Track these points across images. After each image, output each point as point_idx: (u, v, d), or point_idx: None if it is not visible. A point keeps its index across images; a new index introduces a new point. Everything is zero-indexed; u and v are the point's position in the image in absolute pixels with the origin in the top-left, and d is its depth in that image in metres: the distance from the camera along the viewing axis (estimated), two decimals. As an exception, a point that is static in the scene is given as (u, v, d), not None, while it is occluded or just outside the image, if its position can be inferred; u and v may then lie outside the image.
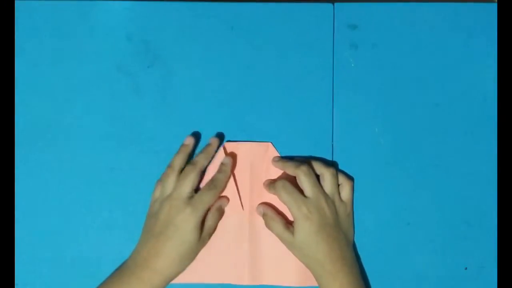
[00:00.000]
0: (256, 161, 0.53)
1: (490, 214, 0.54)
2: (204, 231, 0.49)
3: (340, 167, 0.54)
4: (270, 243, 0.51)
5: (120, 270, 0.49)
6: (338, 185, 0.51)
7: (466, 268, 0.54)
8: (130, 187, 0.53)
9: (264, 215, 0.51)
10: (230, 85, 0.54)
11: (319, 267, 0.48)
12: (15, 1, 0.53)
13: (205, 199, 0.49)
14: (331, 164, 0.53)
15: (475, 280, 0.53)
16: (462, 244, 0.54)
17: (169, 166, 0.51)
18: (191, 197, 0.48)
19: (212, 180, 0.50)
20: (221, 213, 0.52)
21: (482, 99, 0.55)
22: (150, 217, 0.50)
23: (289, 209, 0.48)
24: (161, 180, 0.51)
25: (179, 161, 0.50)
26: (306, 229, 0.47)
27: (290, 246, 0.49)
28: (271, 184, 0.51)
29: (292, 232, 0.48)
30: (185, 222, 0.47)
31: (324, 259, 0.48)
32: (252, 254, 0.52)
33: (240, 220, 0.52)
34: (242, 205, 0.52)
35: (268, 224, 0.50)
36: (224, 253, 0.52)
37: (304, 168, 0.49)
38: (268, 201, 0.52)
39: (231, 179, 0.52)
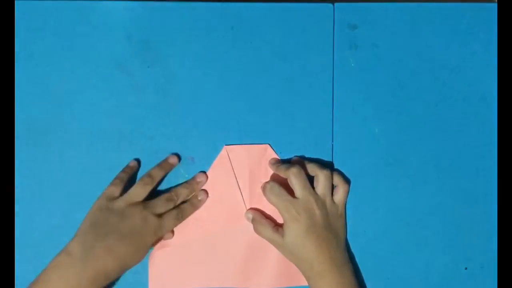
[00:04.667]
0: (255, 164, 0.53)
1: (490, 214, 0.54)
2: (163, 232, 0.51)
3: (339, 167, 0.54)
4: (270, 247, 0.51)
5: (58, 262, 0.46)
6: (334, 186, 0.51)
7: (466, 268, 0.54)
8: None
9: (252, 220, 0.51)
10: (230, 85, 0.54)
11: (308, 268, 0.48)
12: (15, 1, 0.53)
13: (169, 227, 0.50)
14: (327, 165, 0.53)
15: (475, 280, 0.53)
16: (462, 244, 0.54)
17: (147, 175, 0.51)
18: (160, 215, 0.50)
19: (180, 209, 0.51)
20: (180, 219, 0.52)
21: (482, 99, 0.55)
22: (109, 212, 0.48)
23: (279, 211, 0.49)
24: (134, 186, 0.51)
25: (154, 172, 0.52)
26: (294, 230, 0.48)
27: (281, 248, 0.50)
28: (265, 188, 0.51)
29: (282, 234, 0.48)
30: (149, 236, 0.48)
31: (312, 260, 0.48)
32: (251, 258, 0.52)
33: (241, 225, 0.52)
34: (245, 204, 0.53)
35: (257, 229, 0.51)
36: (224, 257, 0.52)
37: (294, 170, 0.49)
38: (267, 204, 0.52)
39: (235, 186, 0.52)
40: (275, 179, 0.52)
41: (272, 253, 0.52)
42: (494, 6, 0.55)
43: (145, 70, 0.54)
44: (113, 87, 0.53)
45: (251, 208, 0.52)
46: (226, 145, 0.53)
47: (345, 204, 0.52)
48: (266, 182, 0.51)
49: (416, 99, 0.55)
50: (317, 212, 0.48)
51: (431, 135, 0.54)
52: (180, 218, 0.51)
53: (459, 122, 0.55)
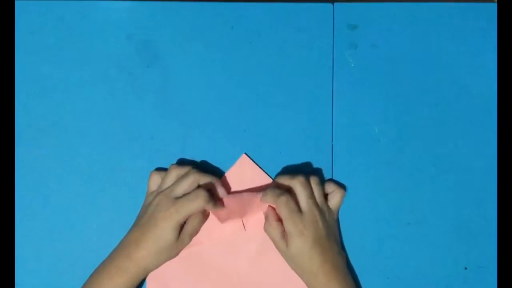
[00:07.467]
0: (252, 185, 0.53)
1: (490, 214, 0.54)
2: (183, 232, 0.49)
3: (339, 167, 0.54)
4: (268, 264, 0.52)
5: (105, 259, 0.49)
6: (327, 194, 0.51)
7: (466, 268, 0.54)
8: (130, 187, 0.53)
9: (266, 217, 0.51)
10: (230, 85, 0.54)
11: (312, 278, 0.49)
12: (15, 1, 0.53)
13: (190, 206, 0.48)
14: (316, 172, 0.52)
15: (475, 280, 0.53)
16: (462, 244, 0.54)
17: (176, 164, 0.52)
18: (179, 198, 0.48)
19: (198, 191, 0.49)
20: (205, 218, 0.51)
21: (482, 99, 0.55)
22: (142, 208, 0.51)
23: (285, 223, 0.48)
24: (166, 175, 0.51)
25: (187, 168, 0.50)
26: (300, 245, 0.48)
27: (284, 255, 0.50)
28: (271, 194, 0.49)
29: (287, 244, 0.48)
30: (164, 221, 0.48)
31: (317, 271, 0.48)
32: (250, 276, 0.52)
33: (240, 243, 0.52)
34: (244, 226, 0.52)
35: (266, 228, 0.50)
36: (224, 276, 0.52)
37: (301, 179, 0.49)
38: (262, 220, 0.51)
39: (232, 201, 0.51)
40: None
41: (272, 271, 0.52)
42: (494, 6, 0.55)
43: (145, 70, 0.54)
44: (113, 87, 0.54)
45: (269, 206, 0.51)
46: (225, 144, 0.53)
47: (339, 209, 0.52)
48: (282, 194, 0.48)
49: (416, 99, 0.55)
50: (321, 224, 0.49)
51: (431, 135, 0.54)
52: (201, 196, 0.48)
53: (459, 122, 0.55)
